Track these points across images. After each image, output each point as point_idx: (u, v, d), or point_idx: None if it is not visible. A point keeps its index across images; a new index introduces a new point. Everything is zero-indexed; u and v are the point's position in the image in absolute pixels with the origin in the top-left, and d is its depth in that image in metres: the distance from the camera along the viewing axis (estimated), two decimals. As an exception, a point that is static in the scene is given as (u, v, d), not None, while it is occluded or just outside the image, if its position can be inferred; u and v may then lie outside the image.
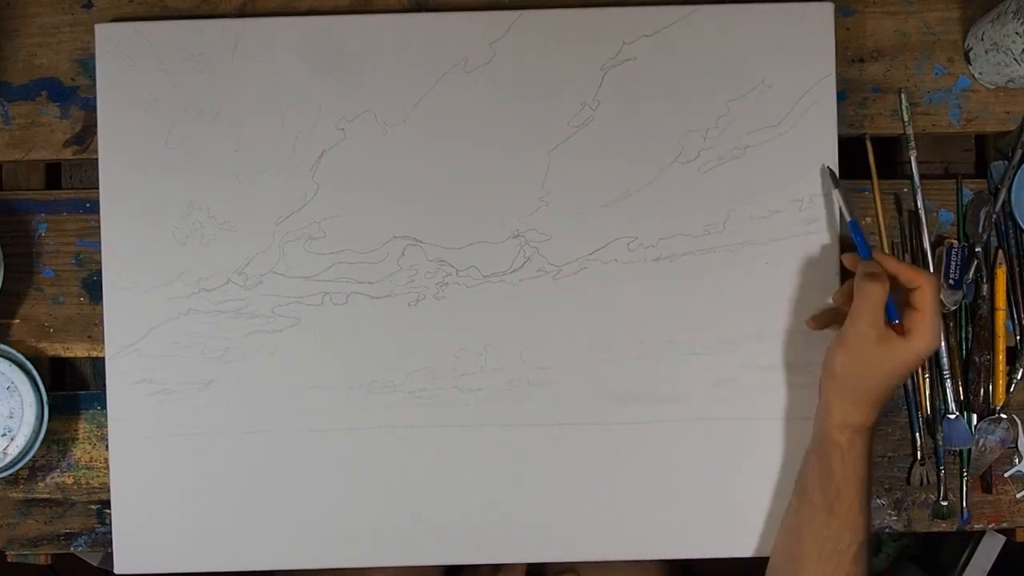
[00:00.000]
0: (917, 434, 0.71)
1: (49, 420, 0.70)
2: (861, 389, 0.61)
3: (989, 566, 0.91)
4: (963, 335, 0.72)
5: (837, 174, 0.68)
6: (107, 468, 0.71)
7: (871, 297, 0.60)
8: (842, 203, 0.66)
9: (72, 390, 0.73)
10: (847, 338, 0.61)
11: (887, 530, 0.72)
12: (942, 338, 0.60)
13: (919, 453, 0.72)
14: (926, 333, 0.59)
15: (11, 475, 0.71)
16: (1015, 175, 0.71)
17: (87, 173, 0.74)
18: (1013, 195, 0.71)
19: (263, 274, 0.69)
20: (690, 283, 0.69)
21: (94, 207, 0.71)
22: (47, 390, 0.70)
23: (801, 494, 0.64)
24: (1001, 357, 0.71)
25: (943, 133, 0.73)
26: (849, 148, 0.72)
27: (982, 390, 0.71)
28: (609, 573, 0.78)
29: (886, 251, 0.71)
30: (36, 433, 0.70)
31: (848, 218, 0.66)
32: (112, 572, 0.70)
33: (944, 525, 0.72)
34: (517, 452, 0.69)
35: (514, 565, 0.79)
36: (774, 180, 0.69)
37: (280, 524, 0.69)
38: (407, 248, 0.69)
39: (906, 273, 0.61)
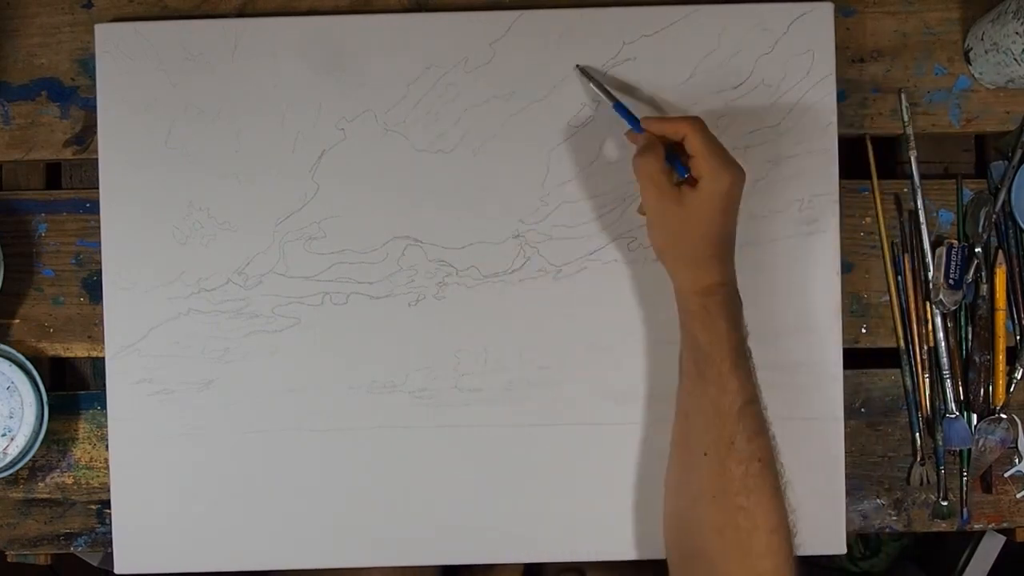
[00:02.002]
0: (917, 434, 0.71)
1: (49, 420, 0.70)
2: (693, 252, 0.61)
3: (989, 566, 0.91)
4: (963, 335, 0.72)
5: (586, 69, 0.68)
6: (107, 468, 0.71)
7: (646, 170, 0.61)
8: (600, 92, 0.67)
9: (72, 390, 0.73)
10: (649, 216, 0.62)
11: (887, 530, 0.72)
12: (737, 167, 0.59)
13: (919, 453, 0.72)
14: (712, 171, 0.59)
15: (11, 475, 0.71)
16: (1015, 175, 0.71)
17: (87, 173, 0.74)
18: (1013, 195, 0.71)
19: (263, 274, 0.69)
20: (690, 283, 0.69)
21: (94, 207, 0.71)
22: (47, 390, 0.70)
23: (680, 375, 0.63)
24: (1001, 357, 0.71)
25: (943, 133, 0.73)
26: (849, 148, 0.72)
27: (982, 390, 0.71)
28: (611, 572, 0.78)
29: (886, 252, 0.71)
30: (36, 433, 0.70)
31: (611, 103, 0.66)
32: (112, 572, 0.70)
33: (944, 525, 0.72)
34: (517, 452, 0.69)
35: (508, 565, 0.79)
36: (774, 180, 0.69)
37: (280, 524, 0.69)
38: (407, 248, 0.69)
39: (670, 128, 0.61)
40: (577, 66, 0.68)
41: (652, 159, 0.61)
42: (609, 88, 0.67)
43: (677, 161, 0.62)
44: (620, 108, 0.66)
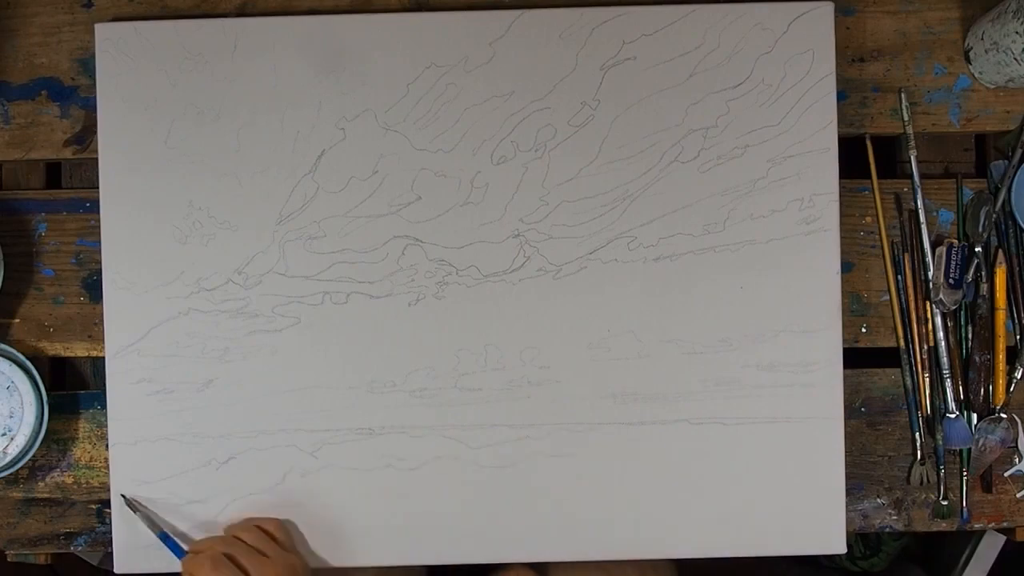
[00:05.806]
0: (917, 434, 0.71)
1: (49, 420, 0.70)
2: None
3: (989, 566, 0.91)
4: (963, 335, 0.72)
5: (132, 502, 0.68)
6: (107, 468, 0.71)
7: None
8: (145, 522, 0.67)
9: (72, 390, 0.73)
10: None
11: (887, 530, 0.72)
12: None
13: (919, 453, 0.72)
14: None
15: (11, 475, 0.71)
16: (1015, 174, 0.71)
17: (87, 173, 0.74)
18: (1013, 194, 0.71)
19: (263, 274, 0.69)
20: (690, 283, 0.69)
21: (94, 207, 0.71)
22: (47, 390, 0.70)
23: None
24: (1001, 357, 0.71)
25: (943, 133, 0.73)
26: (849, 148, 0.72)
27: (982, 390, 0.71)
28: (584, 572, 0.76)
29: (886, 251, 0.71)
30: (36, 433, 0.70)
31: (156, 533, 0.67)
32: (112, 572, 0.70)
33: (944, 525, 0.72)
34: (516, 452, 0.69)
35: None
36: (774, 179, 0.69)
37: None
38: (407, 248, 0.69)
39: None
40: (122, 496, 0.68)
41: None
42: (153, 518, 0.68)
43: None
44: (165, 538, 0.67)
